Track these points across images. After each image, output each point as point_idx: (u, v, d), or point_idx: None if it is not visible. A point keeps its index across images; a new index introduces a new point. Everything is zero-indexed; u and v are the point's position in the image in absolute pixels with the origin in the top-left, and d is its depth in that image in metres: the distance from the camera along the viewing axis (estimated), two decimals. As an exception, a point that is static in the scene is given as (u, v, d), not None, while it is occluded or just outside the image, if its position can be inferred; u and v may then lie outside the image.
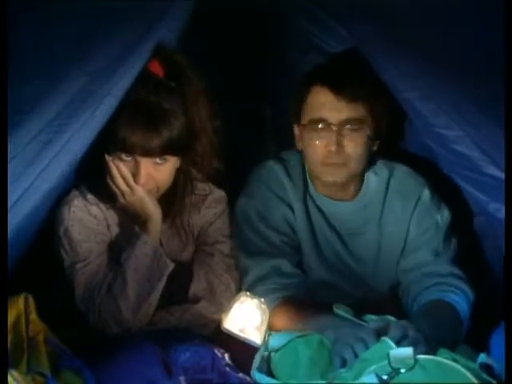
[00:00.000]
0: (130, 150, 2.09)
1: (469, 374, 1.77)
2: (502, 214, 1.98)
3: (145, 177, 2.12)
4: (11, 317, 1.90)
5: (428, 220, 2.32)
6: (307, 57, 2.51)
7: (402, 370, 1.78)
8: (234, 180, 2.40)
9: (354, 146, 2.22)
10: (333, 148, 2.20)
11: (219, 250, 2.32)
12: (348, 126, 2.20)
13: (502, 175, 1.96)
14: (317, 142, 2.23)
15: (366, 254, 2.37)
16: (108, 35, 1.90)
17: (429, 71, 1.97)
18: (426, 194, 2.33)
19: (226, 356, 2.06)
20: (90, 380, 1.93)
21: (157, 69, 2.10)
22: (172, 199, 2.29)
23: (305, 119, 2.25)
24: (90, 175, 2.12)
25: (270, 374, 2.02)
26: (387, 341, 1.86)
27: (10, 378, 1.75)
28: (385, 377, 1.78)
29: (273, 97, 2.76)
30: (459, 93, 1.97)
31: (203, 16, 2.19)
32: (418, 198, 2.33)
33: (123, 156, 2.11)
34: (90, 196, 2.21)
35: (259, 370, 2.00)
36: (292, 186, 2.35)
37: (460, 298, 2.23)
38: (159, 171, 2.15)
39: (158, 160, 2.12)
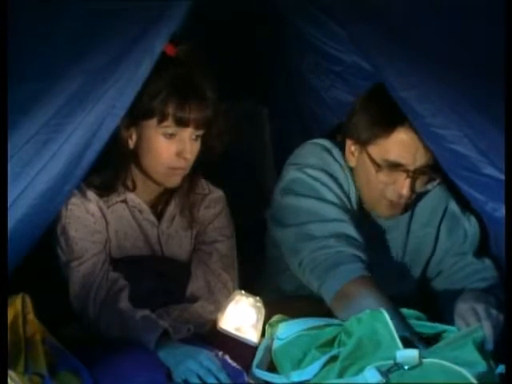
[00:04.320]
0: (184, 122, 2.14)
1: (473, 380, 1.76)
2: (499, 214, 1.97)
3: (190, 152, 2.17)
4: (9, 317, 1.90)
5: (458, 227, 2.33)
6: (305, 57, 2.51)
7: (406, 367, 1.79)
8: (232, 180, 2.41)
9: (419, 187, 2.22)
10: (405, 192, 2.17)
11: (217, 249, 2.33)
12: (420, 172, 2.18)
13: (500, 175, 1.96)
14: (386, 181, 2.18)
15: (390, 257, 2.36)
16: (106, 35, 1.90)
17: (427, 70, 1.96)
18: (453, 203, 2.34)
19: (227, 357, 2.06)
20: (88, 381, 1.92)
21: (171, 50, 2.17)
22: (170, 197, 2.31)
23: (377, 155, 2.16)
24: (90, 172, 2.12)
25: (272, 365, 2.03)
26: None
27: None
28: (385, 370, 1.79)
29: (271, 97, 2.76)
30: (457, 92, 1.97)
31: (202, 16, 2.19)
32: (446, 206, 2.34)
33: (168, 131, 2.15)
34: (89, 193, 2.22)
35: (259, 365, 2.00)
36: (346, 176, 2.27)
37: (501, 291, 2.21)
38: (194, 147, 2.20)
39: (194, 136, 2.18)
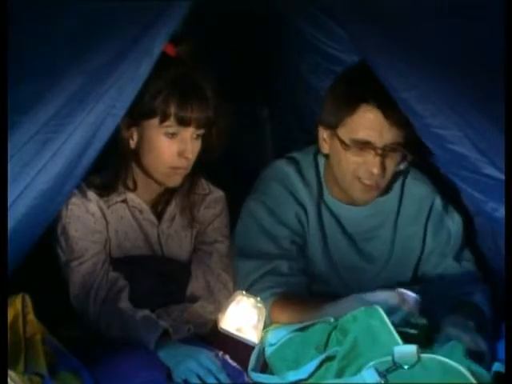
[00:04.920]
0: (185, 122, 2.15)
1: (470, 377, 1.76)
2: (499, 214, 1.98)
3: (192, 152, 2.18)
4: (9, 317, 1.90)
5: (442, 226, 2.34)
6: (305, 57, 2.51)
7: (405, 367, 1.79)
8: (232, 180, 2.41)
9: (391, 166, 2.23)
10: (375, 171, 2.18)
11: (217, 249, 2.33)
12: (390, 149, 2.19)
13: (500, 175, 1.96)
14: (357, 161, 2.20)
15: (378, 255, 2.36)
16: (106, 35, 1.90)
17: (427, 71, 1.96)
18: (439, 200, 2.35)
19: (227, 357, 2.06)
20: (88, 381, 1.93)
21: (171, 50, 2.18)
22: (171, 197, 2.32)
23: (345, 135, 2.19)
24: (90, 172, 2.12)
25: (268, 369, 2.03)
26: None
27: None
28: (383, 370, 1.78)
29: (271, 98, 2.76)
30: (457, 93, 1.97)
31: (202, 17, 2.19)
32: (432, 203, 2.35)
33: (170, 131, 2.16)
34: (89, 193, 2.22)
35: (254, 369, 2.00)
36: (305, 188, 2.32)
37: (484, 298, 2.25)
38: (195, 147, 2.20)
39: (195, 135, 2.18)
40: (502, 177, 1.95)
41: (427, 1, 1.99)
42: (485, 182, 1.99)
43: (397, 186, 2.36)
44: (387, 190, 2.33)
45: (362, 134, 2.17)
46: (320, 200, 2.33)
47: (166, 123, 2.16)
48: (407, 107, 2.01)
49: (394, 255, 2.37)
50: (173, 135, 2.17)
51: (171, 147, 2.17)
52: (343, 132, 2.19)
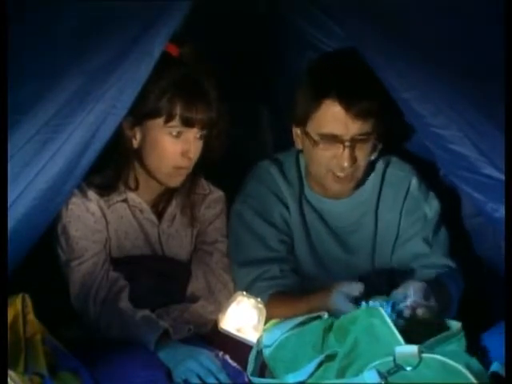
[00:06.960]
0: (190, 123, 2.16)
1: (471, 377, 1.76)
2: (499, 214, 1.98)
3: (194, 152, 2.19)
4: (9, 317, 1.90)
5: (417, 210, 2.36)
6: (305, 56, 2.52)
7: (408, 368, 1.78)
8: (232, 180, 2.41)
9: (363, 156, 2.25)
10: (345, 163, 2.21)
11: (218, 249, 2.34)
12: (359, 140, 2.22)
13: (500, 175, 1.96)
14: (327, 155, 2.23)
15: (362, 246, 2.38)
16: (106, 35, 1.90)
17: (427, 71, 1.96)
18: (415, 183, 2.37)
19: (227, 357, 2.06)
20: (88, 381, 1.93)
21: (174, 51, 2.18)
22: (171, 196, 2.32)
23: (313, 130, 2.23)
24: (91, 171, 2.12)
25: (267, 371, 2.03)
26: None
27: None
28: (385, 372, 1.78)
29: (270, 97, 2.76)
30: (457, 93, 1.97)
31: (201, 16, 2.20)
32: (408, 187, 2.37)
33: (173, 131, 2.16)
34: (89, 192, 2.22)
35: (252, 371, 2.00)
36: (287, 187, 2.36)
37: (451, 281, 2.26)
38: (198, 147, 2.21)
39: (198, 135, 2.19)
40: (502, 177, 1.95)
41: (427, 1, 1.99)
42: (485, 182, 1.99)
43: (377, 176, 2.38)
44: (365, 179, 2.35)
45: (328, 128, 2.21)
46: (301, 197, 2.37)
47: (171, 123, 2.16)
48: (408, 107, 2.02)
49: (378, 245, 2.38)
50: (177, 135, 2.17)
51: (175, 147, 2.18)
52: (311, 128, 2.23)
